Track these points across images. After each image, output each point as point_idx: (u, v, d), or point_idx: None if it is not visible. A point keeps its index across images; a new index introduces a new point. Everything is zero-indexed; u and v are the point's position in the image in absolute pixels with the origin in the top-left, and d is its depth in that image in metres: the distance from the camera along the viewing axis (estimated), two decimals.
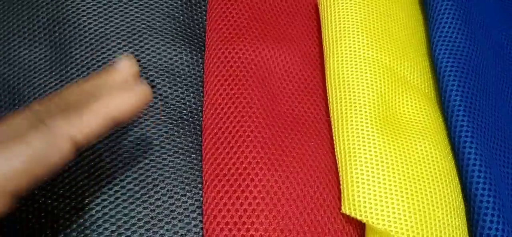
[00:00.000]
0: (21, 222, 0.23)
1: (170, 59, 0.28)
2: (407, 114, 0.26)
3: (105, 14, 0.28)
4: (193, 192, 0.24)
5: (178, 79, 0.27)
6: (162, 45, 0.28)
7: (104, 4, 0.28)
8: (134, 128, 0.25)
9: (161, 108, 0.24)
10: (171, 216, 0.23)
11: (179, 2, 0.30)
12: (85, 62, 0.27)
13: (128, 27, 0.28)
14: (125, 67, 0.21)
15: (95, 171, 0.24)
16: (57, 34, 0.28)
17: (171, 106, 0.26)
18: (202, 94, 0.27)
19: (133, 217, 0.23)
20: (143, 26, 0.28)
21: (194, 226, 0.23)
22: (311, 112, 0.27)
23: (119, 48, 0.27)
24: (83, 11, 0.28)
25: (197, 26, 0.30)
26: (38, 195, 0.24)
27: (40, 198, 0.24)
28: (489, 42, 0.31)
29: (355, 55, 0.27)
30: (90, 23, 0.28)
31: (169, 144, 0.25)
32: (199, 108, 0.27)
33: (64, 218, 0.23)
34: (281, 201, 0.23)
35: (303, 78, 0.28)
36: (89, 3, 0.28)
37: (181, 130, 0.26)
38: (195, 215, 0.24)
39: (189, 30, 0.29)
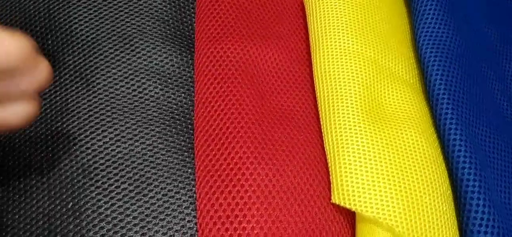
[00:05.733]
0: (19, 224, 0.24)
1: (161, 61, 0.28)
2: (393, 104, 0.27)
3: (96, 20, 0.29)
4: (186, 189, 0.25)
5: (169, 80, 0.28)
6: (153, 48, 0.28)
7: (95, 11, 0.29)
8: (127, 129, 0.26)
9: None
10: (165, 213, 0.24)
11: (168, 5, 0.30)
12: (78, 68, 0.27)
13: (119, 31, 0.29)
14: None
15: (90, 172, 0.25)
16: (49, 42, 0.29)
17: (163, 107, 0.27)
18: (193, 93, 0.28)
19: (128, 215, 0.24)
20: (134, 30, 0.29)
21: (188, 222, 0.24)
22: (299, 107, 0.28)
23: (111, 53, 0.28)
24: (75, 18, 0.29)
25: (186, 28, 0.30)
26: (35, 198, 0.24)
27: (38, 202, 0.24)
28: (473, 33, 0.31)
29: (340, 49, 0.28)
30: (81, 30, 0.28)
31: (162, 143, 0.26)
32: (190, 107, 0.27)
33: (61, 219, 0.24)
34: (272, 194, 0.24)
35: (291, 74, 0.29)
36: (80, 10, 0.29)
37: (174, 130, 0.26)
38: (189, 211, 0.24)
39: (178, 32, 0.30)
